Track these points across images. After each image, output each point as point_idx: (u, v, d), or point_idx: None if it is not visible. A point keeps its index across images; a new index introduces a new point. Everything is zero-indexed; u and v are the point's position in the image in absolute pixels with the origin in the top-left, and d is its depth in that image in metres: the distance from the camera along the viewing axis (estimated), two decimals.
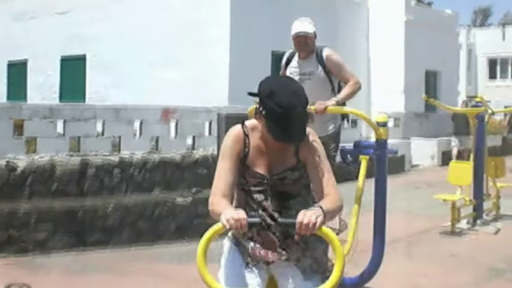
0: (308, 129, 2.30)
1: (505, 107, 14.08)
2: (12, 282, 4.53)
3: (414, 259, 5.84)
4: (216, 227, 2.10)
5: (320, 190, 2.30)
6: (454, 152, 13.18)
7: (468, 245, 6.54)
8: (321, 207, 2.13)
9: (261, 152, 2.32)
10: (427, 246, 6.38)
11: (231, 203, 2.30)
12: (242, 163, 2.32)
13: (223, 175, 2.29)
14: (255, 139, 2.33)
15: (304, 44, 4.33)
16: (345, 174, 9.58)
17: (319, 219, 2.06)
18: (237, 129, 2.35)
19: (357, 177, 4.39)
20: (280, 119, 2.14)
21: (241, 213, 2.08)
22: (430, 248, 6.32)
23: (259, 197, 2.30)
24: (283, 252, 2.29)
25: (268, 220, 2.30)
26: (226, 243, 2.44)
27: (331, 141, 4.36)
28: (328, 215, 2.16)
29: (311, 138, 2.33)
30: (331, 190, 2.29)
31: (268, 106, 2.16)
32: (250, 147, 2.32)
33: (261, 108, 2.21)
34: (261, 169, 2.31)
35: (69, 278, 5.07)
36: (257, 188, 2.31)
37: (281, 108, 2.13)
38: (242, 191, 2.36)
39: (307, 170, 2.32)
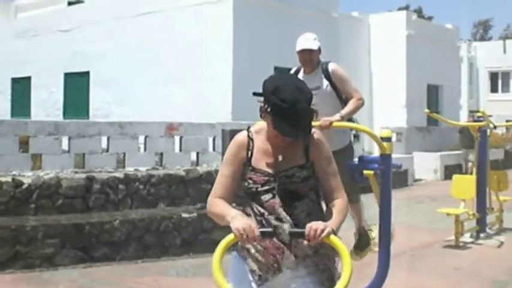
0: (314, 130, 2.36)
1: (507, 121, 14.15)
2: None
3: (418, 273, 5.87)
4: (228, 238, 2.17)
5: (328, 193, 2.37)
6: (470, 165, 13.40)
7: (471, 258, 6.57)
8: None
9: (267, 153, 2.36)
10: (431, 260, 6.41)
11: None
12: (247, 165, 2.36)
13: (222, 180, 2.37)
14: (260, 141, 2.38)
15: (309, 59, 4.41)
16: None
17: (328, 229, 2.13)
18: (241, 135, 2.41)
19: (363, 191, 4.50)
20: (286, 114, 2.18)
21: (252, 224, 2.14)
22: (434, 261, 6.36)
23: (267, 196, 2.33)
24: (291, 256, 2.32)
25: (276, 223, 2.31)
26: (233, 260, 2.47)
27: (347, 154, 4.42)
28: (337, 230, 2.25)
29: (318, 138, 2.38)
30: (339, 195, 2.36)
31: (273, 102, 2.21)
32: (254, 150, 2.36)
33: (266, 106, 2.26)
34: (267, 167, 2.34)
35: None
36: (265, 188, 2.33)
37: (286, 103, 2.18)
38: (250, 197, 2.38)
39: (315, 171, 2.37)
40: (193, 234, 6.57)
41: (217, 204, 2.32)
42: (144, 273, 5.73)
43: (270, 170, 2.33)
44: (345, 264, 2.12)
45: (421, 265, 6.18)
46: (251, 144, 2.37)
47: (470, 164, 13.39)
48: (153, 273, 5.75)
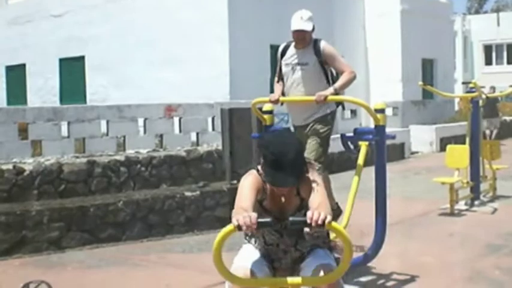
0: (308, 169, 2.59)
1: (501, 92, 14.39)
2: (30, 280, 4.66)
3: (415, 239, 6.04)
4: (227, 228, 2.27)
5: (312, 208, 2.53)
6: (488, 133, 14.25)
7: (466, 224, 6.76)
8: None
9: (274, 196, 2.61)
10: (427, 227, 6.58)
11: None
12: (259, 204, 2.60)
13: (244, 197, 2.54)
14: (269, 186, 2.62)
15: (302, 39, 4.52)
16: (347, 162, 9.76)
17: (329, 217, 2.27)
18: (254, 173, 2.63)
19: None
20: (273, 165, 2.46)
21: (252, 214, 2.28)
22: (430, 228, 6.53)
23: (274, 237, 2.65)
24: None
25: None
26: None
27: (323, 122, 4.56)
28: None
29: (310, 177, 2.60)
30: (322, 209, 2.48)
31: (265, 154, 2.52)
32: (267, 192, 2.61)
33: (261, 158, 2.55)
34: (276, 210, 2.61)
35: (85, 272, 5.23)
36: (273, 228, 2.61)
37: (274, 155, 2.46)
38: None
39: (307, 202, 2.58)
40: (196, 212, 6.70)
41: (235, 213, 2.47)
42: (150, 251, 5.85)
43: (277, 214, 2.58)
44: (346, 246, 2.24)
45: (417, 232, 6.35)
46: (265, 186, 2.61)
47: (488, 131, 14.26)
48: (159, 250, 5.87)
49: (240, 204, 2.50)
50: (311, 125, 4.57)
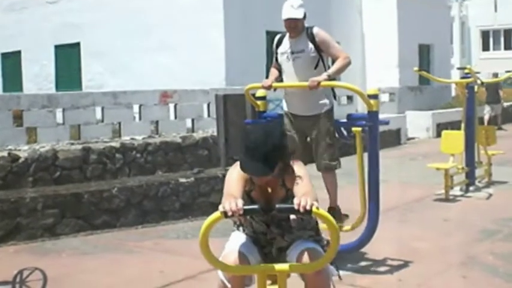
0: (294, 161, 2.60)
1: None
2: (24, 267, 4.66)
3: (409, 225, 6.06)
4: (213, 215, 2.28)
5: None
6: (486, 118, 14.25)
7: (461, 210, 6.77)
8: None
9: (262, 187, 2.61)
10: (422, 213, 6.60)
11: None
12: (247, 194, 2.60)
13: (232, 187, 2.54)
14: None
15: (294, 27, 4.50)
16: (342, 148, 9.77)
17: (315, 203, 2.28)
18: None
19: (354, 151, 4.60)
20: (248, 153, 2.46)
21: (238, 200, 2.29)
22: (425, 214, 6.55)
23: (261, 227, 2.66)
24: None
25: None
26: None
27: (326, 119, 4.53)
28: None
29: (295, 169, 2.59)
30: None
31: (244, 143, 2.51)
32: (255, 183, 2.60)
33: (242, 147, 2.53)
34: (263, 200, 2.59)
35: (80, 259, 5.22)
36: (260, 217, 2.64)
37: (251, 144, 2.47)
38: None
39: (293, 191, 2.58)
40: (191, 198, 6.69)
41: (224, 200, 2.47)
42: (144, 238, 5.86)
43: (264, 205, 2.51)
44: (332, 233, 2.24)
45: (412, 217, 6.36)
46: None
47: (486, 116, 14.84)
48: (153, 237, 5.87)
49: (228, 193, 2.50)
50: (316, 121, 4.50)
